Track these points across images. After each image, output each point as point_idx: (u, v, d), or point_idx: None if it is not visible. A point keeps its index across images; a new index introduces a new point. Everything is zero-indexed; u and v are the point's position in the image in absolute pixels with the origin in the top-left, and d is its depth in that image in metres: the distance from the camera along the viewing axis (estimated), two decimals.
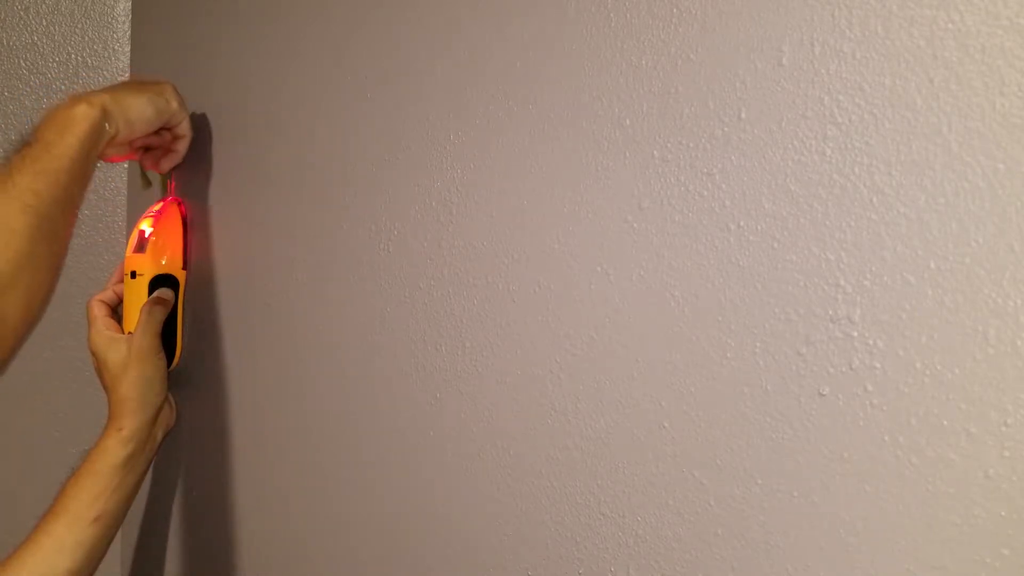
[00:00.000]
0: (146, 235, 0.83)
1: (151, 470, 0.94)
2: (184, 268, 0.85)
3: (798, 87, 0.36)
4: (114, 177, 1.01)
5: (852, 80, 0.34)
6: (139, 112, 0.72)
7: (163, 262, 0.83)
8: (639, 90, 0.42)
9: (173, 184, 0.89)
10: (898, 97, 0.33)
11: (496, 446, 0.51)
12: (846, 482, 0.35)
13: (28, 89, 0.97)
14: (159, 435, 0.80)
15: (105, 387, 0.79)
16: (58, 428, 0.98)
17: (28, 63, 0.97)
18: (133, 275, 0.82)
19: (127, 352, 0.78)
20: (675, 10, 0.41)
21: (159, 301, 0.81)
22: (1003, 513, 0.31)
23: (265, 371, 0.74)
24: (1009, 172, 0.30)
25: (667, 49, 0.41)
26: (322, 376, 0.67)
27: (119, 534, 1.01)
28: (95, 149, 0.67)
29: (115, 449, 0.74)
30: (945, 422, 0.32)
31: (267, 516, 0.75)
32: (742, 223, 0.38)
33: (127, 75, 0.98)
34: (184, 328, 0.87)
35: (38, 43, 0.97)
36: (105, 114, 0.68)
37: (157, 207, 0.86)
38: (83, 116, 0.66)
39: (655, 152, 0.42)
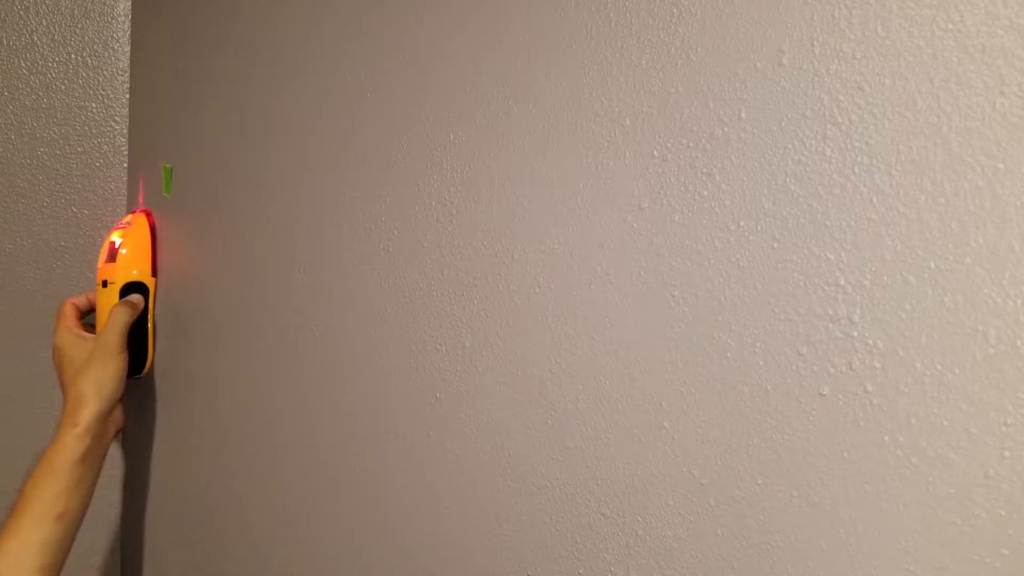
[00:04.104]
0: (116, 246, 0.87)
1: (152, 470, 0.94)
2: (154, 276, 0.88)
3: (798, 87, 0.36)
4: (114, 177, 1.01)
5: (852, 80, 0.34)
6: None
7: (133, 272, 0.87)
8: (639, 90, 0.42)
9: (141, 196, 0.92)
10: (898, 97, 0.33)
11: (496, 446, 0.51)
12: (846, 482, 0.35)
13: (28, 89, 0.97)
14: (111, 432, 0.83)
15: (63, 383, 0.81)
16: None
17: (28, 63, 0.97)
18: (104, 284, 0.87)
19: (91, 348, 0.80)
20: (675, 10, 0.41)
21: (128, 303, 0.84)
22: (1003, 513, 0.31)
23: (265, 371, 0.74)
24: (1009, 172, 0.30)
25: (667, 49, 0.41)
26: (322, 376, 0.67)
27: (119, 535, 1.02)
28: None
29: (72, 445, 0.76)
30: (945, 422, 0.32)
31: (266, 516, 0.75)
32: (742, 223, 0.38)
33: (127, 75, 0.98)
34: (155, 334, 0.89)
35: (38, 43, 0.97)
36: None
37: (127, 219, 0.90)
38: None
39: (655, 152, 0.42)
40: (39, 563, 0.70)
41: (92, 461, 0.78)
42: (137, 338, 0.86)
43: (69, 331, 0.82)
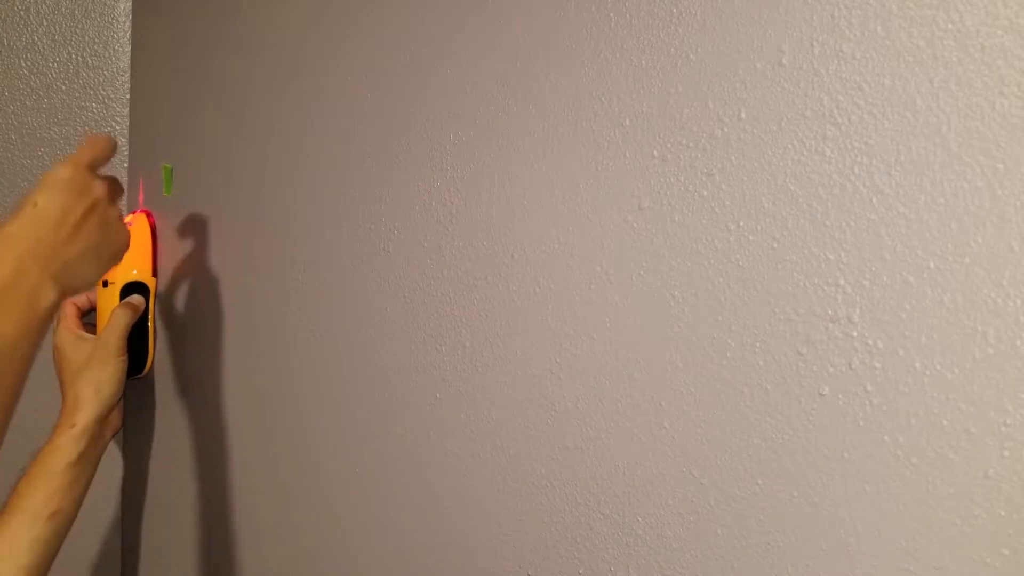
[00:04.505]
0: None
1: (152, 470, 0.94)
2: (154, 276, 0.89)
3: (798, 87, 0.36)
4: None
5: (852, 80, 0.34)
6: (86, 281, 0.67)
7: (134, 272, 0.87)
8: (639, 90, 0.42)
9: (141, 196, 0.92)
10: (898, 97, 0.33)
11: (496, 446, 0.51)
12: (846, 482, 0.35)
13: (29, 89, 0.97)
14: (107, 435, 0.83)
15: (62, 383, 0.81)
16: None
17: (29, 63, 0.97)
18: (105, 284, 0.87)
19: (91, 350, 0.80)
20: (675, 10, 0.41)
21: (129, 305, 0.84)
22: (1003, 513, 0.31)
23: (265, 371, 0.74)
24: (1008, 172, 0.30)
25: (667, 49, 0.41)
26: (322, 376, 0.67)
27: (119, 534, 1.02)
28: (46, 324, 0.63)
29: (68, 447, 0.76)
30: (945, 422, 0.32)
31: (266, 516, 0.75)
32: (742, 223, 0.38)
33: (127, 75, 0.99)
34: (155, 334, 0.89)
35: (38, 43, 0.97)
36: (62, 298, 0.63)
37: (127, 219, 0.91)
38: (46, 305, 0.60)
39: (655, 152, 0.42)
40: (26, 562, 0.70)
41: (88, 462, 0.78)
42: (137, 338, 0.87)
43: (69, 331, 0.82)
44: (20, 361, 0.59)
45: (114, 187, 0.70)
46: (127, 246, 0.72)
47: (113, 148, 0.70)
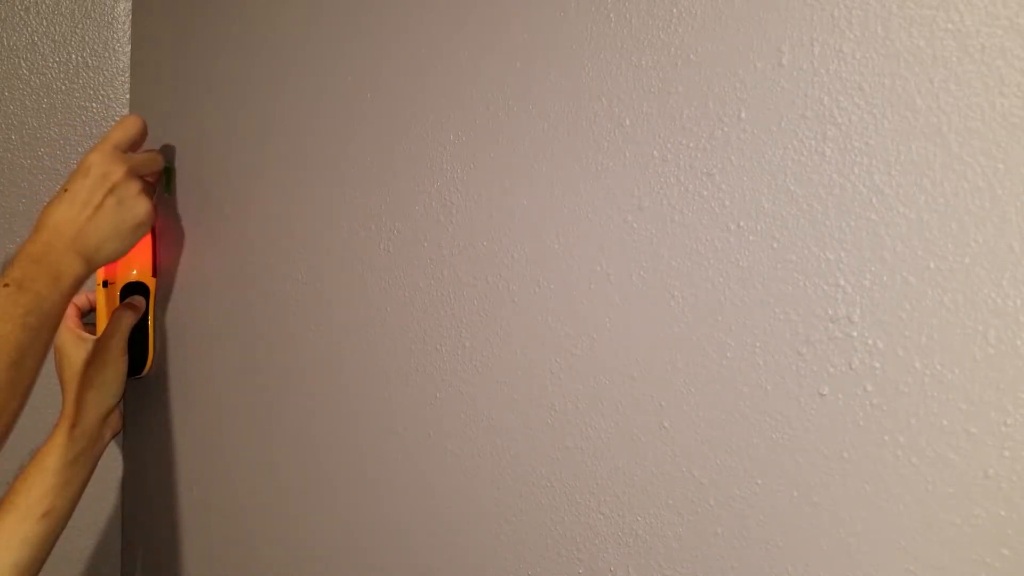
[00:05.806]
0: None
1: (152, 470, 0.94)
2: (154, 276, 0.88)
3: (798, 87, 0.36)
4: None
5: (852, 80, 0.34)
6: (113, 252, 0.75)
7: (133, 272, 0.87)
8: (639, 90, 0.42)
9: None
10: (898, 97, 0.33)
11: (496, 446, 0.51)
12: (846, 482, 0.35)
13: (28, 89, 0.97)
14: (107, 435, 0.83)
15: (63, 383, 0.81)
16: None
17: (28, 63, 0.97)
18: (105, 284, 0.87)
19: (92, 351, 0.80)
20: (675, 10, 0.41)
21: (130, 306, 0.84)
22: (1003, 513, 0.31)
23: (265, 371, 0.74)
24: (1009, 172, 0.30)
25: (667, 49, 0.41)
26: (322, 376, 0.67)
27: (118, 534, 1.02)
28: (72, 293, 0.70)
29: (67, 446, 0.76)
30: (945, 422, 0.32)
31: (266, 516, 0.75)
32: (742, 223, 0.38)
33: (127, 75, 0.99)
34: (156, 334, 0.89)
35: (38, 43, 0.97)
36: (90, 268, 0.72)
37: None
38: (72, 274, 0.69)
39: (655, 152, 0.42)
40: (15, 559, 0.70)
41: (85, 463, 0.78)
42: (137, 338, 0.87)
43: (70, 331, 0.82)
44: (53, 319, 0.66)
45: (138, 165, 0.78)
46: (148, 217, 0.77)
47: (141, 130, 0.79)
